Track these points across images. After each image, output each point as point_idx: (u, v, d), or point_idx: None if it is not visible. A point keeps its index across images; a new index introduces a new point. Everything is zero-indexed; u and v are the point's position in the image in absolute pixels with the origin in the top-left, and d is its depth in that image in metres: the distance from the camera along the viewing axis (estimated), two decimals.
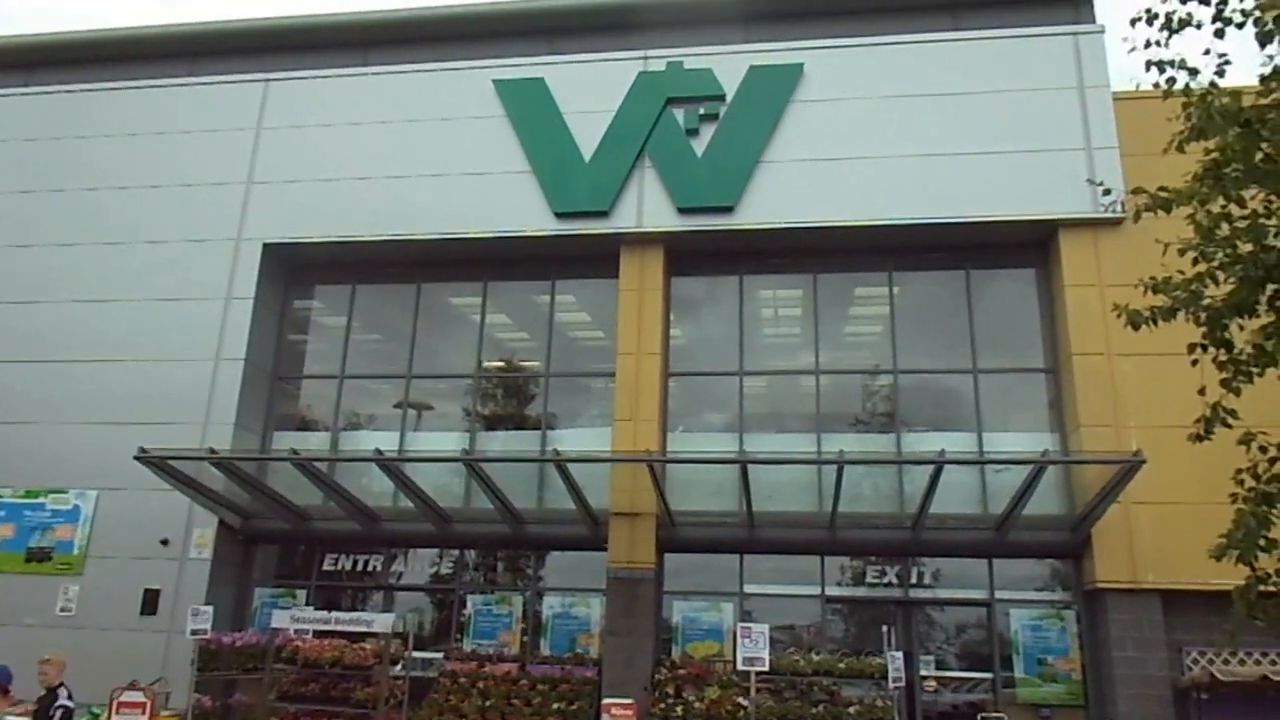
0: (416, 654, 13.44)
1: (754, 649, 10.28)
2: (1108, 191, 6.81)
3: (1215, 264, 6.00)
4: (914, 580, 14.32)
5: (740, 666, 10.49)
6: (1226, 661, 12.55)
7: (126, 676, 11.62)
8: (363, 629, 11.01)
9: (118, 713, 10.95)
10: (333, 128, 16.81)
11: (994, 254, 15.33)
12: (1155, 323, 6.14)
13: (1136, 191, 6.11)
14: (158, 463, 13.50)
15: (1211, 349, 6.20)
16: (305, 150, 16.77)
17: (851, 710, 10.28)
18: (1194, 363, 6.19)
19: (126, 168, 17.29)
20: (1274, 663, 12.40)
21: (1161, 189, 6.07)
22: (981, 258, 15.34)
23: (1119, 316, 6.32)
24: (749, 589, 14.49)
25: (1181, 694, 12.54)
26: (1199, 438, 6.17)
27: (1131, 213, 6.11)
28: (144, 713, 10.94)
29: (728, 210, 15.11)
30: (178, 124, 17.44)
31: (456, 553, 15.68)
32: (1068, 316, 14.08)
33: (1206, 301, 6.03)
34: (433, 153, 16.25)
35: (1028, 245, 15.08)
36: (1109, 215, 13.66)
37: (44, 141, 17.90)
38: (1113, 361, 13.69)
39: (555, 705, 13.20)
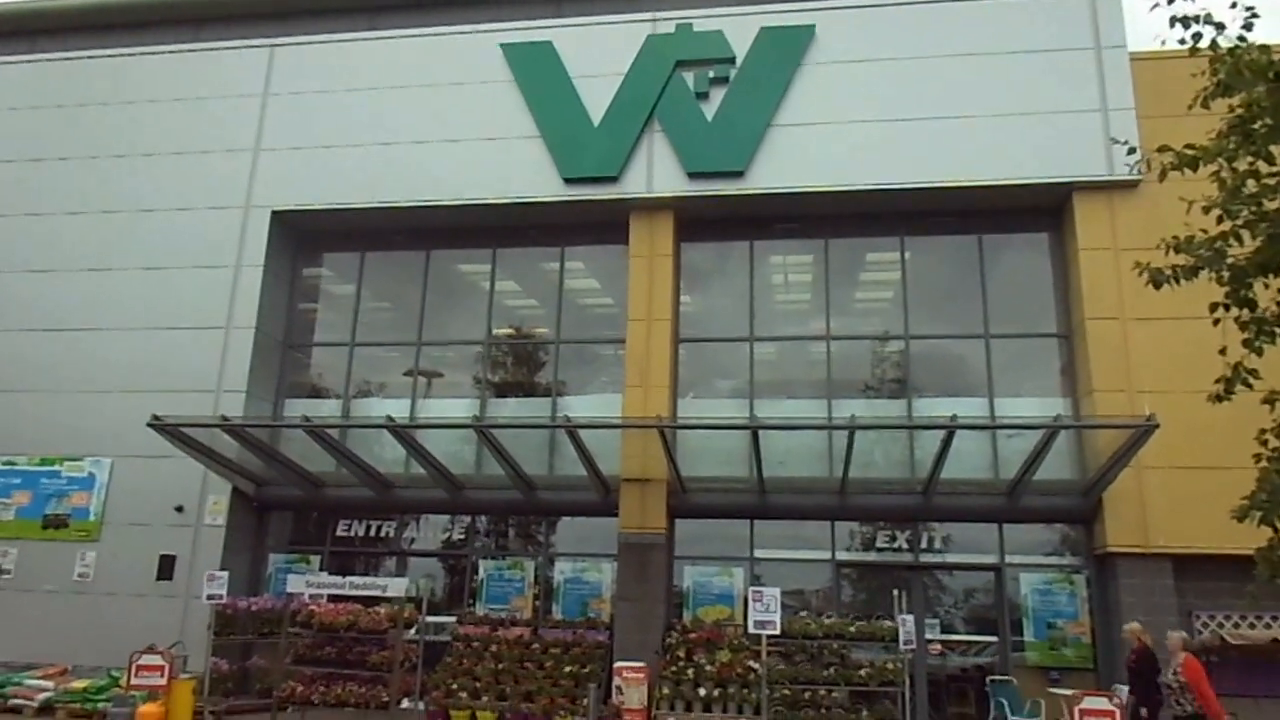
0: (430, 619, 13.56)
1: (765, 613, 10.34)
2: (1132, 150, 6.69)
3: (1240, 222, 5.90)
4: (924, 545, 14.36)
5: (751, 630, 10.55)
6: (1237, 625, 12.58)
7: (144, 641, 11.79)
8: (377, 593, 11.09)
9: (137, 675, 11.09)
10: (339, 94, 16.69)
11: (1007, 218, 15.19)
12: (1178, 281, 6.06)
13: (1162, 149, 6.00)
14: (171, 430, 13.56)
15: (1234, 308, 6.12)
16: (312, 117, 16.66)
17: (862, 673, 10.35)
18: (1216, 322, 6.11)
19: (133, 135, 17.22)
20: None
21: (1188, 146, 5.97)
22: (995, 222, 15.21)
23: (1140, 275, 6.24)
24: (760, 554, 14.55)
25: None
26: (1219, 398, 6.11)
27: (1156, 171, 6.00)
28: (162, 675, 11.08)
29: (738, 175, 14.98)
30: (184, 91, 17.32)
31: (468, 519, 15.77)
32: (1081, 281, 13.97)
33: (1230, 260, 5.94)
34: (440, 118, 16.11)
35: (1042, 209, 14.94)
36: (1125, 178, 13.57)
37: (50, 109, 17.81)
38: (1126, 326, 13.62)
39: (567, 669, 13.33)
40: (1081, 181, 14.21)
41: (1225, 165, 5.94)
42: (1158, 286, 6.14)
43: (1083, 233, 14.14)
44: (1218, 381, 6.13)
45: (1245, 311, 6.11)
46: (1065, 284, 14.68)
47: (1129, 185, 13.89)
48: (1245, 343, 6.13)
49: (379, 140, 16.21)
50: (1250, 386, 6.05)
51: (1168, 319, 13.15)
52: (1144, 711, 10.63)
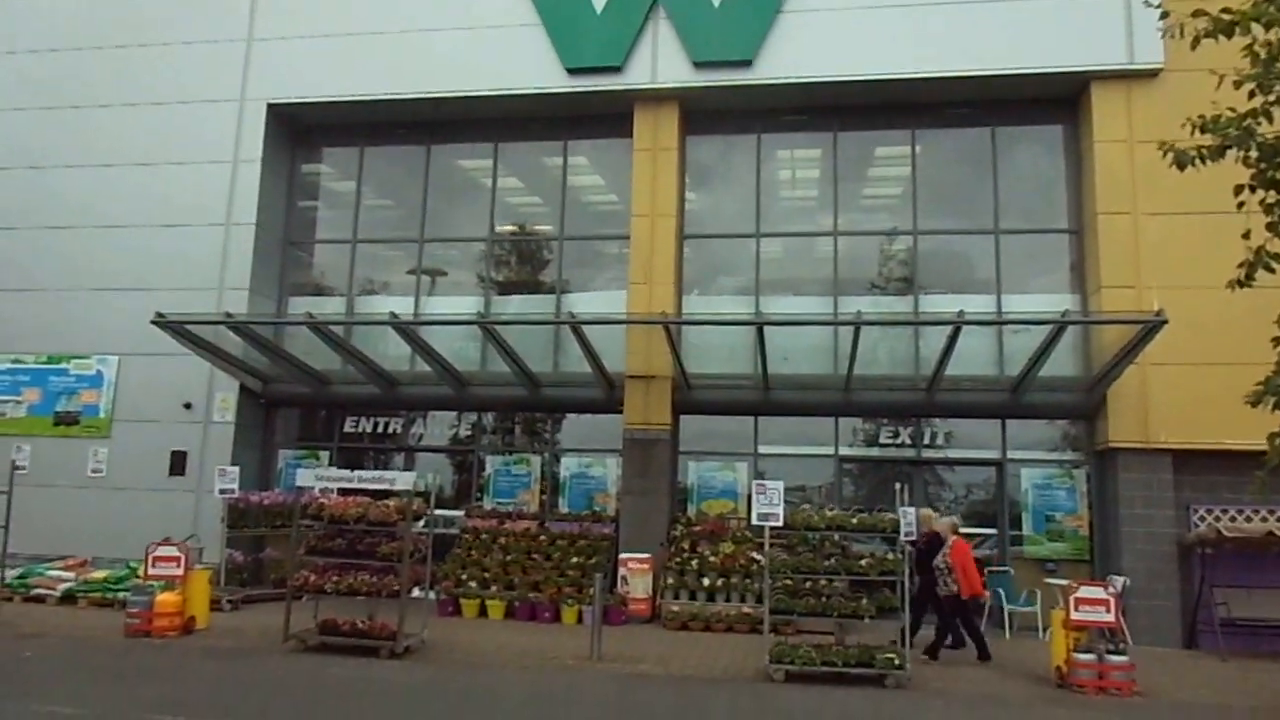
0: (439, 512, 13.78)
1: (769, 505, 10.42)
2: (1165, 15, 6.31)
3: (1273, 97, 5.67)
4: (927, 441, 14.48)
5: (755, 522, 10.69)
6: (1233, 519, 12.77)
7: (160, 534, 11.99)
8: (385, 487, 11.21)
9: (154, 566, 11.32)
10: None
11: (1021, 110, 14.79)
12: (1203, 162, 5.86)
13: (1197, 14, 5.73)
14: (175, 327, 13.55)
15: (1260, 191, 5.94)
16: (305, 5, 16.07)
17: (863, 563, 10.52)
18: (1240, 205, 5.94)
19: (125, 27, 16.67)
20: None
21: (1224, 10, 5.69)
22: (1008, 114, 14.81)
23: (1165, 157, 6.03)
24: (763, 450, 14.69)
25: (1186, 549, 12.83)
26: (1240, 283, 5.99)
27: (1189, 39, 5.72)
28: (179, 566, 11.31)
29: (745, 64, 14.51)
30: None
31: (475, 416, 15.89)
32: (1095, 174, 13.69)
33: (1259, 139, 5.73)
34: (438, 5, 15.54)
35: (1057, 100, 14.52)
36: (1145, 66, 13.22)
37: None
38: (1138, 221, 13.39)
39: (574, 560, 13.65)
40: (1099, 70, 13.76)
41: (1262, 33, 5.65)
42: (1182, 168, 5.94)
43: (1099, 124, 13.76)
44: (1240, 266, 5.99)
45: (1272, 193, 5.93)
46: (1078, 178, 14.38)
47: (1149, 75, 13.51)
48: (1270, 226, 5.97)
49: (374, 28, 15.67)
50: (1272, 271, 5.91)
51: (1180, 214, 12.98)
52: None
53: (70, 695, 8.08)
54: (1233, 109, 5.84)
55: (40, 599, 13.29)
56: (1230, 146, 5.79)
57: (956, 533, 11.32)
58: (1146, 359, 12.54)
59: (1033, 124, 15.03)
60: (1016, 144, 15.01)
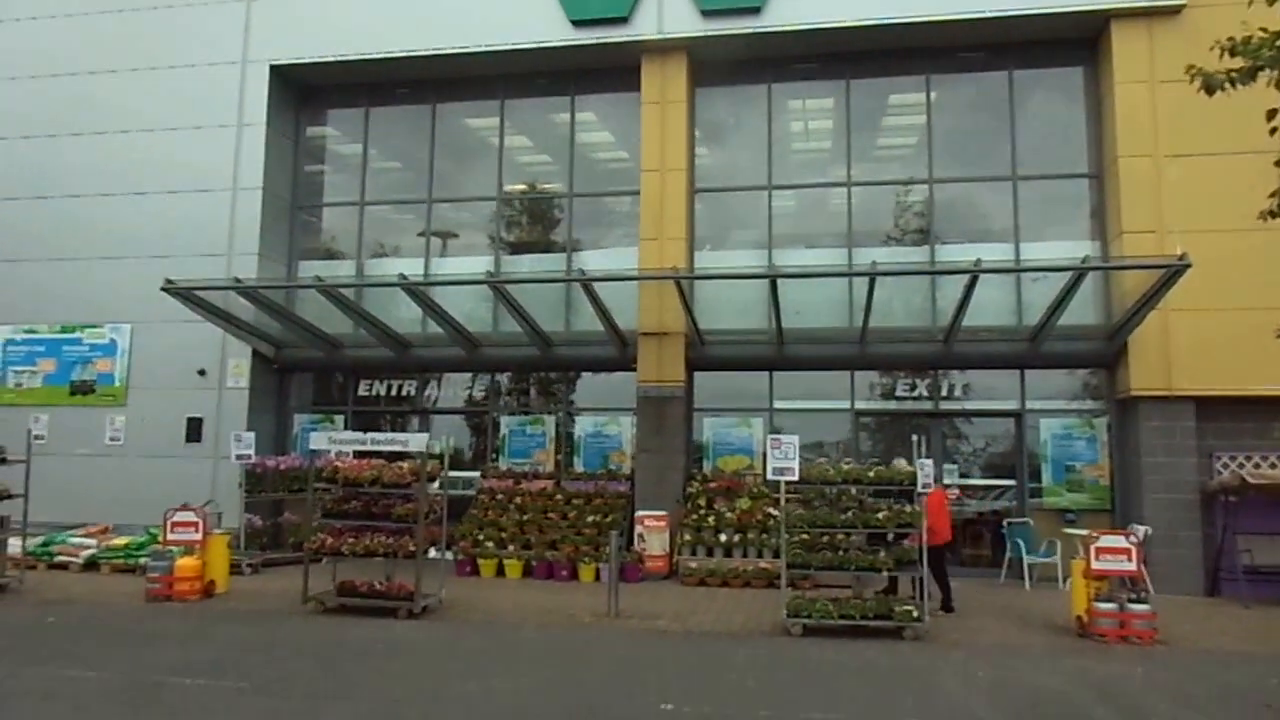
0: (454, 474, 13.78)
1: (784, 459, 10.33)
2: None
3: None
4: (944, 393, 14.31)
5: (770, 477, 10.62)
6: (1257, 465, 12.58)
7: (179, 500, 12.06)
8: (399, 449, 11.18)
9: (172, 531, 11.38)
10: None
11: (1040, 52, 14.37)
12: (1234, 86, 5.62)
13: None
14: (185, 293, 13.50)
15: None
16: None
17: (880, 516, 10.43)
18: (1272, 131, 5.70)
19: None
20: None
21: None
22: (1026, 57, 14.42)
23: (1193, 82, 5.79)
24: (778, 405, 14.57)
25: (1209, 497, 12.66)
26: (1272, 214, 5.77)
27: None
28: (197, 531, 11.38)
29: (754, 11, 14.17)
30: None
31: (489, 377, 15.83)
32: (1115, 117, 13.33)
33: None
34: None
35: (1076, 41, 14.13)
36: (1167, 2, 12.81)
37: None
38: (1160, 164, 13.06)
39: (590, 518, 13.64)
40: (1120, 8, 13.34)
41: None
42: (1211, 93, 5.70)
43: (1119, 65, 13.38)
44: (1271, 196, 5.78)
45: None
46: (1098, 121, 14.02)
47: (1171, 11, 13.13)
48: None
49: None
50: None
51: (1202, 155, 12.67)
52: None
53: (92, 659, 8.15)
54: (1265, 29, 5.58)
55: (64, 566, 13.45)
56: (1263, 68, 5.54)
57: (936, 481, 11.25)
58: (1168, 305, 12.28)
59: (1051, 66, 14.61)
60: (1034, 88, 14.63)
